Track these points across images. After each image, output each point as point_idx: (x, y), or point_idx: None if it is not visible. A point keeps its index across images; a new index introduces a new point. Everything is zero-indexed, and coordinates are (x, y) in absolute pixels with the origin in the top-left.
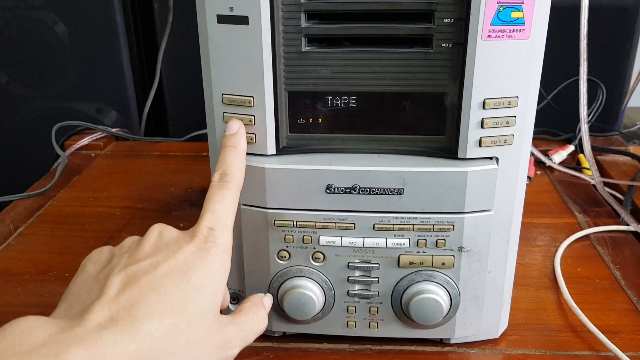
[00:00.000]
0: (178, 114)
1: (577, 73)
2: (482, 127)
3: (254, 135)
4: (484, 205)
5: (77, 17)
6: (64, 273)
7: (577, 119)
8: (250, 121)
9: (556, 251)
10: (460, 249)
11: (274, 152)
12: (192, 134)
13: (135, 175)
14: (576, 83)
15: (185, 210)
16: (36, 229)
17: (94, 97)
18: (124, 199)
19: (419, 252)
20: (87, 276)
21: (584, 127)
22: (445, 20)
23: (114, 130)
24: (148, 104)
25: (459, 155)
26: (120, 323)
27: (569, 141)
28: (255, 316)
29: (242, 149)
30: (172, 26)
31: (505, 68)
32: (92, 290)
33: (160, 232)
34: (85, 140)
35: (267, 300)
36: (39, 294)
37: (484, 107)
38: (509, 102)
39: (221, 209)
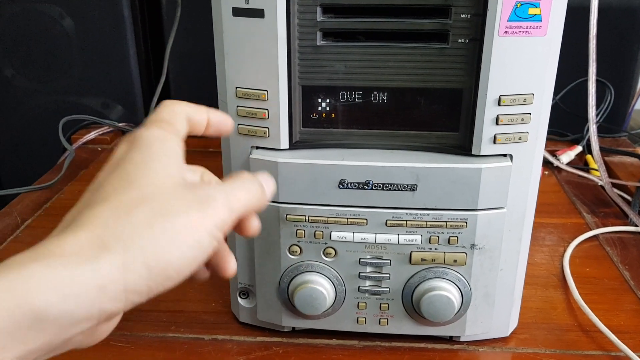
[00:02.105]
0: None
1: (585, 74)
2: (497, 123)
3: (267, 130)
4: (497, 203)
5: (85, 12)
6: None
7: (584, 120)
8: (263, 115)
9: (565, 251)
10: (473, 246)
11: (287, 147)
12: None
13: None
14: (583, 84)
15: None
16: (43, 222)
17: (100, 92)
18: None
19: (431, 248)
20: None
21: (592, 128)
22: (462, 16)
23: (120, 124)
24: (155, 99)
25: (473, 152)
26: (63, 229)
27: (576, 142)
28: (241, 175)
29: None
30: (180, 21)
31: (521, 65)
32: None
33: None
34: (91, 135)
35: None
36: None
37: (499, 104)
38: (525, 99)
39: (161, 111)
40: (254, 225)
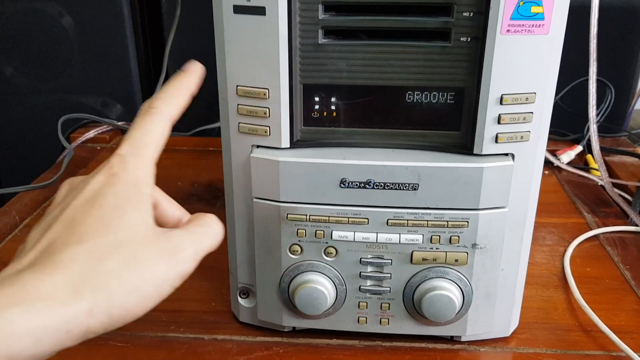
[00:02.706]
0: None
1: (585, 74)
2: (498, 123)
3: (268, 128)
4: (498, 202)
5: (84, 10)
6: None
7: (585, 120)
8: (264, 114)
9: (565, 251)
10: (474, 245)
11: (288, 146)
12: (198, 129)
13: None
14: (584, 84)
15: (192, 204)
16: None
17: (99, 91)
18: None
19: (432, 248)
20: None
21: (593, 128)
22: (464, 14)
23: (120, 123)
24: None
25: (474, 151)
26: (38, 262)
27: (577, 141)
28: (205, 220)
29: (190, 81)
30: (180, 20)
31: (523, 63)
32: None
33: (70, 181)
34: (91, 133)
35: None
36: None
37: (501, 103)
38: (527, 98)
39: (138, 136)
40: None
